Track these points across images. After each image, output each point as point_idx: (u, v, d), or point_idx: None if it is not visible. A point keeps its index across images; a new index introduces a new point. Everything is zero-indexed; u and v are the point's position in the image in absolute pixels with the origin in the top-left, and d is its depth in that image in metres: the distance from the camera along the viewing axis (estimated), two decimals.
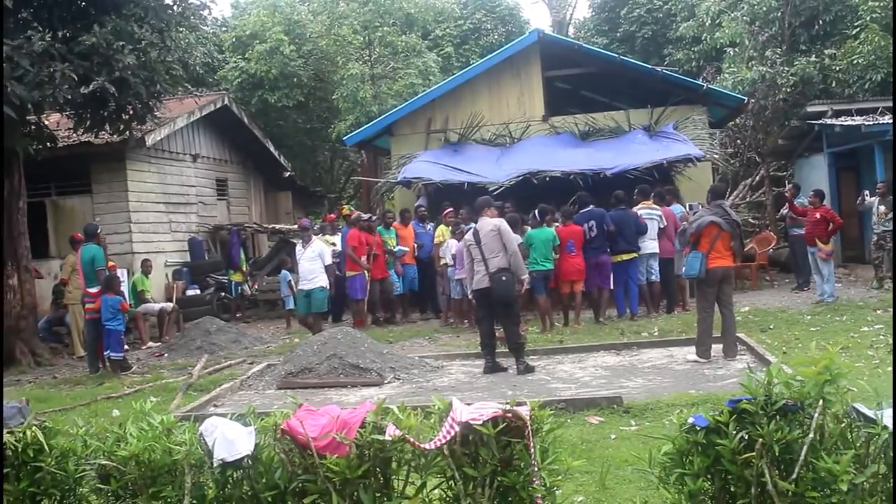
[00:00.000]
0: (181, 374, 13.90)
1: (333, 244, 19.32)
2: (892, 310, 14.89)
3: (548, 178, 18.73)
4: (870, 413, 4.33)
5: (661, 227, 16.47)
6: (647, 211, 16.48)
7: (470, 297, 13.73)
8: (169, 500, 4.75)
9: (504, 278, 11.82)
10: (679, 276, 16.00)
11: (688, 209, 15.98)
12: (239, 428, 4.82)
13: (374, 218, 19.00)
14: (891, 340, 12.26)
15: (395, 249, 18.64)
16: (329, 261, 15.85)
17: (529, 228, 16.09)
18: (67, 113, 16.56)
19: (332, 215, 21.60)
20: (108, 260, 16.48)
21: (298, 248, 15.00)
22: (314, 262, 15.26)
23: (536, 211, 16.27)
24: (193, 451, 4.77)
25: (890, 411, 4.35)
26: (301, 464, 4.68)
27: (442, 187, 19.53)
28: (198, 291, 21.41)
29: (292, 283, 18.57)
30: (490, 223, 12.04)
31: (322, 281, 15.57)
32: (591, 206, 16.50)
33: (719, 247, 11.87)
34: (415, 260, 19.08)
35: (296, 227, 16.18)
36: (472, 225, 13.22)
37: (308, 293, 14.90)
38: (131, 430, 4.94)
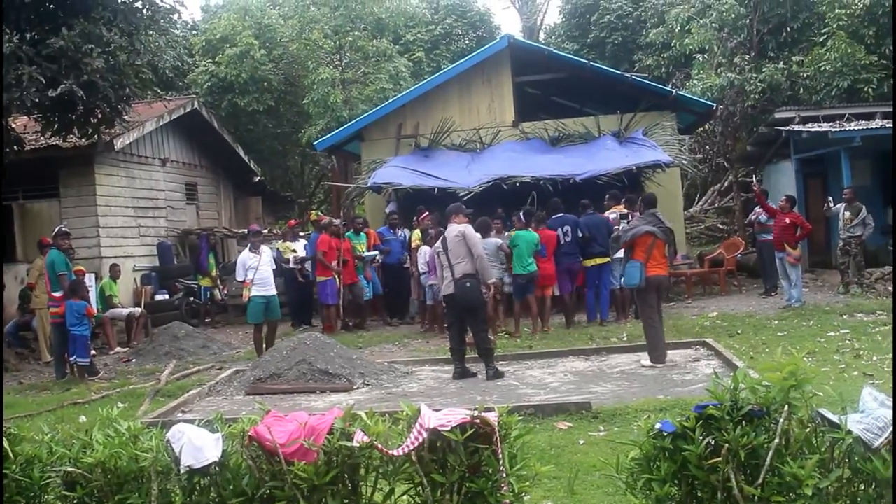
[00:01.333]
0: (149, 379, 13.83)
1: (294, 251, 19.35)
2: (864, 314, 15.04)
3: (518, 184, 18.75)
4: (834, 418, 4.36)
5: None
6: (617, 215, 16.55)
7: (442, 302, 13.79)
8: None
9: (468, 284, 11.92)
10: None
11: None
12: (206, 434, 4.79)
13: (333, 223, 18.90)
14: (857, 345, 12.39)
15: (365, 255, 18.62)
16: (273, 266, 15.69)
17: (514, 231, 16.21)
18: (35, 116, 16.43)
19: (294, 221, 21.54)
20: (75, 264, 16.37)
21: (248, 253, 14.73)
22: (270, 267, 15.11)
23: (521, 213, 16.32)
24: (160, 458, 4.74)
25: (855, 415, 4.39)
26: (269, 470, 4.66)
27: (412, 193, 19.53)
28: (166, 296, 21.29)
29: None
30: (456, 229, 12.10)
31: (274, 287, 15.44)
32: (563, 212, 16.62)
33: (656, 255, 12.10)
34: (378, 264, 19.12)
35: (258, 231, 15.98)
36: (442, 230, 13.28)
37: (268, 300, 14.76)
38: (98, 436, 4.90)
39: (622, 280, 13.21)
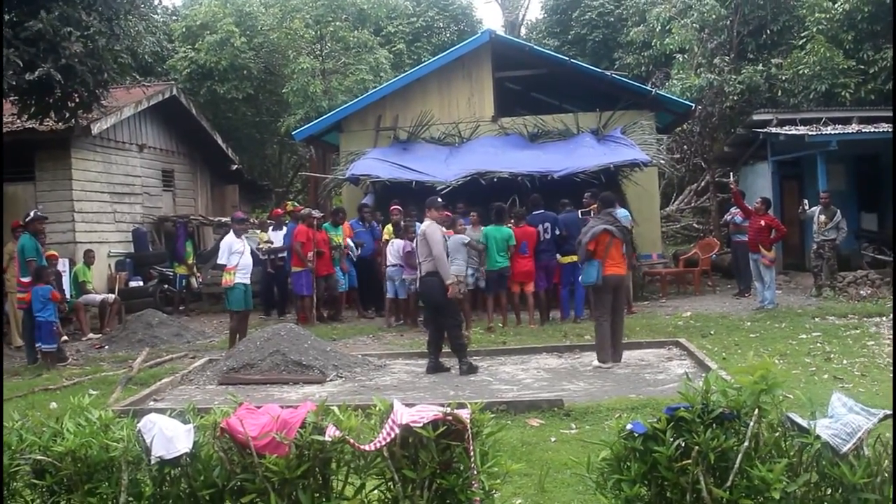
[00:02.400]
0: (121, 367, 13.76)
1: (269, 241, 19.34)
2: (836, 317, 15.16)
3: (496, 179, 18.76)
4: (804, 423, 4.40)
5: None
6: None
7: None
8: (105, 496, 4.69)
9: (430, 281, 12.10)
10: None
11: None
12: (178, 425, 4.78)
13: (312, 213, 18.87)
14: (828, 348, 12.49)
15: (351, 244, 18.64)
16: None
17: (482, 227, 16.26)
18: (11, 99, 16.30)
19: (279, 210, 21.49)
20: (48, 249, 16.26)
21: (232, 238, 14.57)
22: (250, 255, 15.01)
23: (493, 210, 16.33)
24: (131, 448, 4.72)
25: (824, 420, 4.44)
26: (240, 463, 4.65)
27: (390, 185, 19.52)
28: (141, 283, 21.19)
29: None
30: (423, 225, 12.36)
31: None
32: (543, 209, 16.68)
33: (613, 254, 12.14)
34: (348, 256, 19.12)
35: (243, 218, 15.88)
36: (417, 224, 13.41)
37: (247, 287, 14.67)
38: (68, 425, 4.88)
39: (580, 278, 13.17)
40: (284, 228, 19.64)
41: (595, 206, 15.90)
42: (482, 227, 16.36)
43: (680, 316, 16.40)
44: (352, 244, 18.74)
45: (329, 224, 18.67)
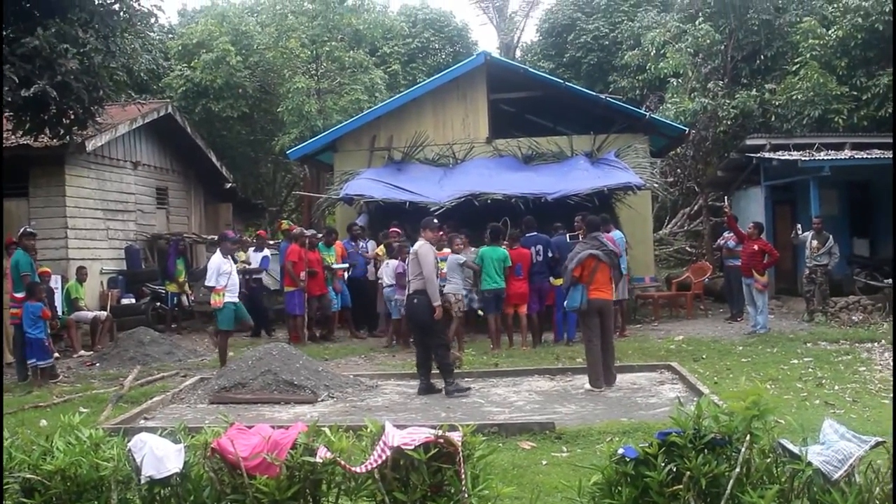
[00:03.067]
0: (112, 384, 13.71)
1: (247, 262, 19.43)
2: (828, 342, 15.17)
3: (489, 201, 18.78)
4: (795, 449, 4.41)
5: None
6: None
7: None
8: None
9: (416, 301, 12.15)
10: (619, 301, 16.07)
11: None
12: (168, 445, 4.77)
13: (317, 234, 18.94)
14: (820, 373, 12.49)
15: (336, 266, 18.62)
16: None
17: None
18: (7, 115, 16.28)
19: (263, 231, 21.47)
20: (40, 265, 16.22)
21: (220, 258, 14.53)
22: (237, 274, 14.99)
23: (488, 231, 16.35)
24: (121, 468, 4.71)
25: (816, 447, 4.44)
26: (230, 483, 4.64)
27: (383, 205, 19.53)
28: (133, 301, 21.12)
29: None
30: (416, 245, 12.35)
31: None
32: (536, 231, 16.71)
33: (599, 278, 12.09)
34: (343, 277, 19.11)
35: (235, 238, 15.88)
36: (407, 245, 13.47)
37: (237, 305, 14.63)
38: (58, 443, 4.86)
39: (565, 303, 13.13)
40: (266, 251, 19.73)
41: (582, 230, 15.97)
42: (473, 249, 16.39)
43: (672, 340, 16.39)
44: (342, 266, 18.74)
45: (322, 244, 18.68)
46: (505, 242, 16.26)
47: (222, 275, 14.20)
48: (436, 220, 13.12)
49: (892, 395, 10.51)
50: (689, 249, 31.98)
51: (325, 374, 12.69)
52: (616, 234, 17.02)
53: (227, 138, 31.63)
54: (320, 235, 19.08)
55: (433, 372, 12.33)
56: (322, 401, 11.80)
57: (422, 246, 12.22)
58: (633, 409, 10.66)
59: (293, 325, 18.03)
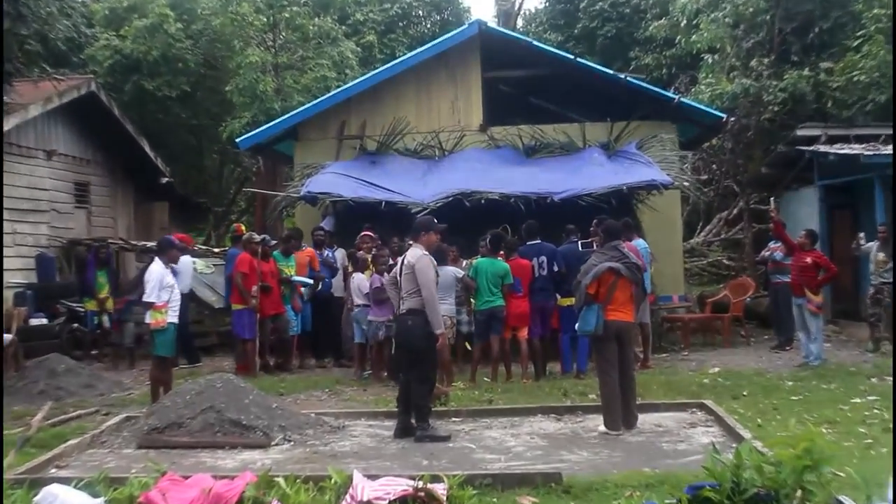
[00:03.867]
0: (17, 425, 13.59)
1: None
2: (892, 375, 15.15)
3: (483, 201, 18.76)
4: None
5: None
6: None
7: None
8: None
9: (410, 322, 11.96)
10: (641, 325, 16.05)
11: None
12: (85, 499, 4.72)
13: (270, 240, 18.82)
14: (887, 416, 12.46)
15: (296, 279, 18.53)
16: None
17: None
18: None
19: (183, 235, 21.29)
20: None
21: (162, 269, 14.44)
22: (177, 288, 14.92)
23: (488, 238, 16.28)
24: None
25: None
26: None
27: (354, 206, 19.48)
28: (45, 321, 21.01)
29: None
30: (413, 256, 12.06)
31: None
32: (539, 239, 16.63)
33: (618, 297, 11.99)
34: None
35: (183, 246, 15.80)
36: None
37: (177, 328, 14.55)
38: None
39: (576, 325, 12.92)
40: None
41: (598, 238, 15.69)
42: (465, 262, 16.35)
43: (706, 372, 16.38)
44: (303, 280, 18.66)
45: (279, 252, 18.59)
46: (501, 253, 16.19)
47: (165, 289, 14.14)
48: (436, 221, 12.91)
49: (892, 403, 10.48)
50: (726, 262, 32.06)
51: (281, 412, 12.60)
52: (639, 243, 16.99)
53: (163, 123, 31.61)
54: (274, 242, 18.92)
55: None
56: (276, 445, 11.71)
57: (420, 258, 12.00)
58: (657, 457, 10.61)
59: (242, 352, 17.92)
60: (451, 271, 15.51)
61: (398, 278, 12.25)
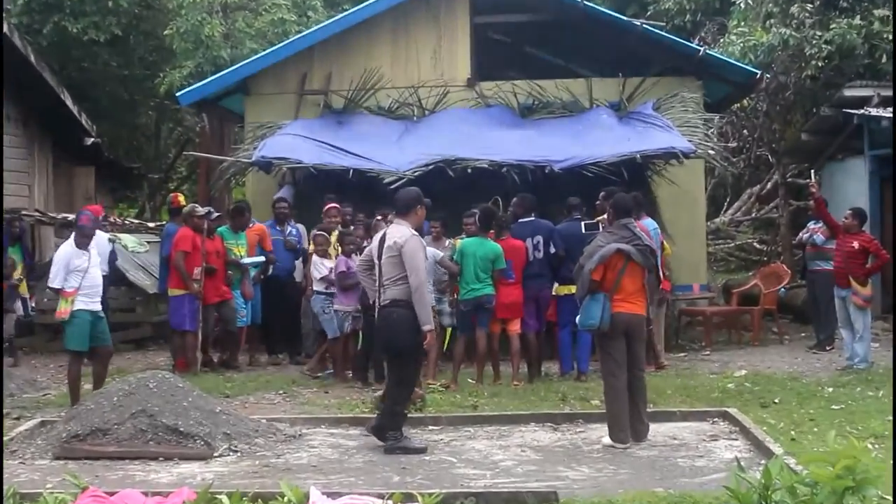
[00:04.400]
0: None
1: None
2: None
3: (470, 170, 18.75)
4: None
5: None
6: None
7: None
8: None
9: (395, 316, 11.85)
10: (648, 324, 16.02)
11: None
12: None
13: (219, 214, 18.72)
14: None
15: (245, 261, 18.48)
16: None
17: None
18: None
19: (98, 206, 21.17)
20: None
21: (72, 249, 14.38)
22: (101, 271, 14.86)
23: (476, 214, 16.20)
24: None
25: None
26: None
27: (316, 174, 19.46)
28: None
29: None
30: (399, 235, 11.90)
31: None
32: (534, 216, 16.58)
33: (627, 285, 11.97)
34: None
35: (97, 218, 15.71)
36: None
37: (95, 317, 14.50)
38: None
39: (577, 318, 12.81)
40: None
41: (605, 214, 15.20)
42: (448, 241, 16.34)
43: (731, 375, 16.44)
44: (255, 261, 18.61)
45: (227, 228, 18.54)
46: (490, 232, 16.12)
47: (73, 272, 14.08)
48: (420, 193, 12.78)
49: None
50: (757, 246, 32.15)
51: (226, 417, 12.61)
52: (648, 223, 16.61)
53: (89, 73, 31.51)
54: (217, 215, 18.76)
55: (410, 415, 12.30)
56: (220, 456, 11.74)
57: (409, 239, 11.83)
58: (672, 475, 10.67)
59: (181, 346, 17.90)
60: (431, 253, 15.48)
61: (376, 262, 12.09)
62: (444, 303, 16.46)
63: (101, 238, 18.10)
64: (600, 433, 12.43)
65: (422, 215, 12.42)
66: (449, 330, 16.97)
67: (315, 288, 17.10)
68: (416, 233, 12.04)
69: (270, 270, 18.93)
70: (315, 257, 17.13)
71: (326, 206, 18.05)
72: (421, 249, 11.94)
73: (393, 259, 11.79)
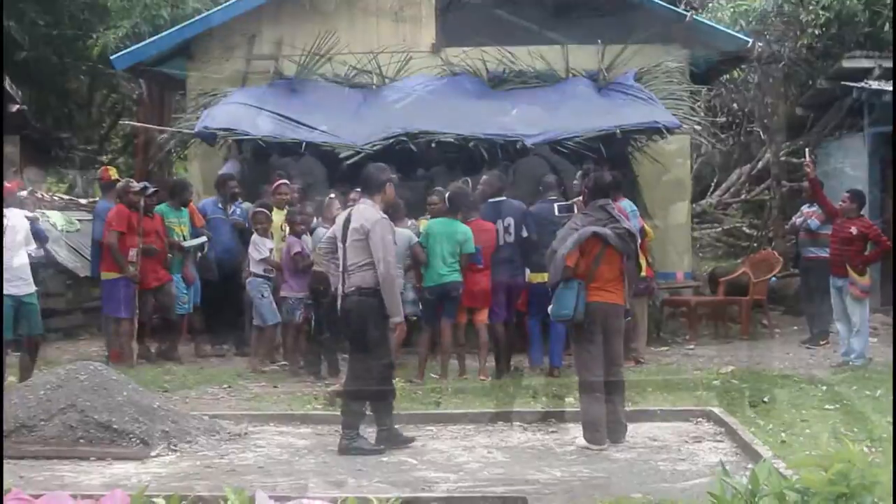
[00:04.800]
0: None
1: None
2: None
3: (433, 144, 18.76)
4: None
5: None
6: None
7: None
8: None
9: (362, 306, 11.86)
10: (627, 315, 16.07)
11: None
12: None
13: (156, 190, 18.65)
14: None
15: (188, 243, 18.44)
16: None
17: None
18: None
19: (15, 181, 21.05)
20: None
21: None
22: (25, 250, 14.84)
23: (446, 194, 16.24)
24: None
25: None
26: None
27: (265, 147, 19.43)
28: None
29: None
30: (366, 217, 11.89)
31: (31, 282, 15.03)
32: (504, 196, 16.57)
33: (603, 272, 11.98)
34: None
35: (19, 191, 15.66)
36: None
37: (22, 303, 14.46)
38: None
39: (550, 308, 12.84)
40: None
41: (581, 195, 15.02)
42: (411, 222, 16.36)
43: (716, 372, 16.51)
44: (196, 242, 18.57)
45: (167, 205, 18.49)
46: (459, 213, 16.11)
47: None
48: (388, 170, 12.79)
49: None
50: (747, 231, 32.26)
51: (165, 413, 12.62)
52: (625, 204, 16.51)
53: (14, 33, 31.34)
54: (153, 190, 18.67)
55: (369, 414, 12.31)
56: (158, 456, 11.75)
57: (378, 222, 11.83)
58: (650, 479, 10.73)
59: (115, 335, 17.87)
60: (406, 235, 15.44)
61: (340, 245, 12.08)
62: (409, 289, 16.34)
63: (16, 216, 18.04)
64: (574, 433, 12.49)
65: (391, 194, 12.45)
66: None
67: (252, 269, 17.07)
68: (386, 216, 12.07)
69: (206, 249, 18.88)
70: (255, 236, 17.09)
71: (275, 183, 18.02)
72: (390, 233, 11.96)
73: (359, 243, 11.78)
